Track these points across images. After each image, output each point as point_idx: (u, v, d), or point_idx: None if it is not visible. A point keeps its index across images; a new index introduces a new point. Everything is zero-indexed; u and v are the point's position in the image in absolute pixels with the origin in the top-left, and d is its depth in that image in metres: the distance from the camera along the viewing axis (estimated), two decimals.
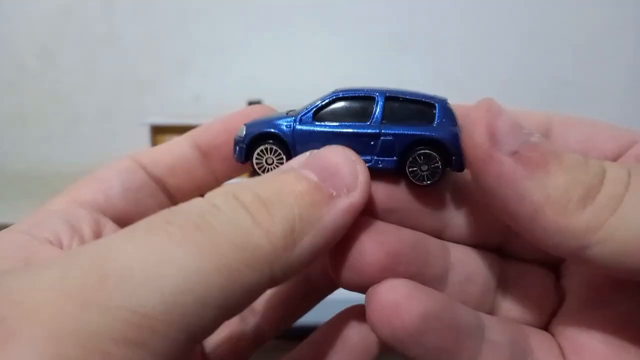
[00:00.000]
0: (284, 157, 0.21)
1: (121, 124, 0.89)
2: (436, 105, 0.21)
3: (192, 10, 0.87)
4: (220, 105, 0.87)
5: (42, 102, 0.89)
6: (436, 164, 0.21)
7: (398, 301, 0.18)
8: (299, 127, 0.21)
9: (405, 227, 0.21)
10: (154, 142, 0.73)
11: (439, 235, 0.22)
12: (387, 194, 0.21)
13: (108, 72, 0.88)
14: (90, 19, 0.87)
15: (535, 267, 0.23)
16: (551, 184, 0.17)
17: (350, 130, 0.21)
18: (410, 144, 0.21)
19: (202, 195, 0.18)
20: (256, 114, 0.24)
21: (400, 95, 0.21)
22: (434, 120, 0.21)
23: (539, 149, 0.17)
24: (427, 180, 0.20)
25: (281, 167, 0.21)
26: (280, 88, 0.86)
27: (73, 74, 0.88)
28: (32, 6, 0.86)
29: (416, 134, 0.21)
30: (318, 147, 0.20)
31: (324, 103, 0.22)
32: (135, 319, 0.14)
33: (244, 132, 0.22)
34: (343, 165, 0.19)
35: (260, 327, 0.27)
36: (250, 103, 0.72)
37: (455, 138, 0.21)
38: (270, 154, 0.22)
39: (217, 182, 0.26)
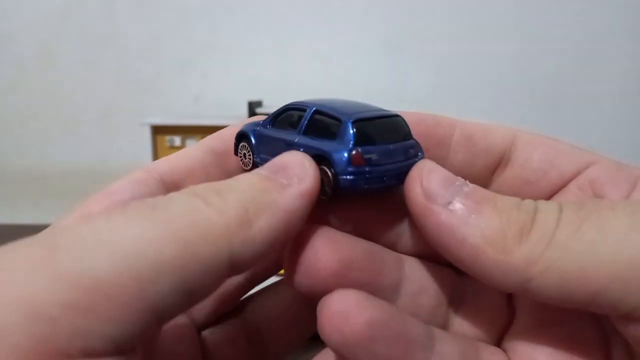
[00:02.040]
0: (251, 153, 0.24)
1: (121, 124, 0.89)
2: (342, 121, 0.21)
3: (192, 10, 0.87)
4: (221, 106, 0.87)
5: (42, 102, 0.89)
6: (329, 180, 0.21)
7: (347, 309, 0.19)
8: (258, 129, 0.24)
9: (359, 237, 0.21)
10: (155, 142, 0.73)
11: (393, 247, 0.22)
12: (341, 204, 0.22)
13: (108, 72, 0.89)
14: (90, 19, 0.87)
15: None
16: (486, 225, 0.18)
17: (281, 137, 0.23)
18: (313, 157, 0.21)
19: None
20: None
21: (324, 110, 0.22)
22: (336, 136, 0.21)
23: (473, 197, 0.19)
24: (323, 195, 0.21)
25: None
26: (280, 88, 0.86)
27: (73, 74, 0.88)
28: (32, 6, 0.86)
29: (313, 148, 0.21)
30: (269, 149, 0.23)
31: (280, 111, 0.24)
32: (85, 283, 0.14)
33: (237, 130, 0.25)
34: (291, 162, 0.20)
35: (267, 349, 0.27)
36: (251, 103, 0.72)
37: (341, 158, 0.20)
38: (246, 150, 0.24)
39: None
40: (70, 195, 0.86)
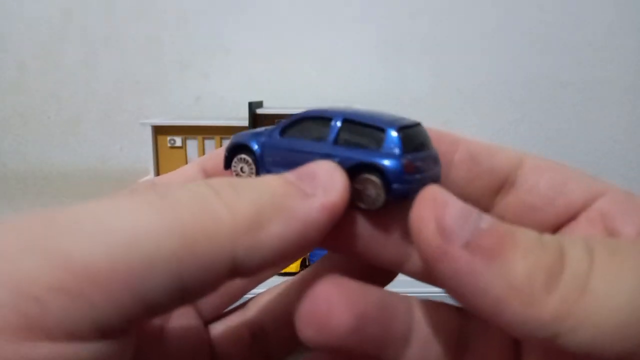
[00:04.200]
0: (254, 168, 0.22)
1: (122, 124, 0.89)
2: (386, 130, 0.21)
3: (192, 11, 0.87)
4: (222, 106, 0.87)
5: (42, 102, 0.89)
6: (378, 190, 0.20)
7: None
8: (266, 140, 0.22)
9: (368, 256, 0.20)
10: (156, 143, 0.73)
11: (399, 268, 0.21)
12: (351, 221, 0.21)
13: (108, 73, 0.89)
14: (90, 20, 0.87)
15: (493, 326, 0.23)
16: (511, 272, 0.15)
17: (306, 148, 0.21)
18: (352, 167, 0.21)
19: None
20: None
21: (355, 119, 0.22)
22: (381, 146, 0.21)
23: (493, 235, 0.16)
24: (368, 206, 0.20)
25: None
26: (280, 89, 0.86)
27: (74, 75, 0.89)
28: (33, 6, 0.86)
29: (358, 158, 0.21)
30: (281, 161, 0.21)
31: (292, 121, 0.22)
32: (75, 267, 0.14)
33: (228, 144, 0.23)
34: (320, 170, 0.19)
35: (270, 349, 0.27)
36: (251, 104, 0.72)
37: (398, 165, 0.20)
38: (244, 163, 0.23)
39: None
40: (71, 195, 0.86)
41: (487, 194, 0.23)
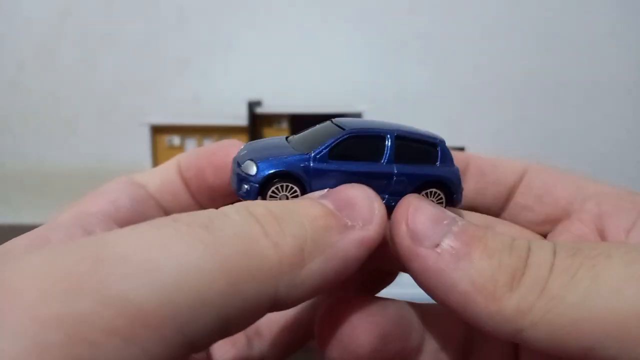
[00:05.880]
0: (299, 195, 0.21)
1: (121, 123, 0.89)
2: (438, 145, 0.23)
3: (191, 10, 0.87)
4: (220, 105, 0.87)
5: (41, 102, 0.89)
6: (440, 202, 0.22)
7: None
8: (314, 165, 0.21)
9: (375, 263, 0.21)
10: (154, 142, 0.73)
11: (402, 268, 0.22)
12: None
13: (107, 72, 0.88)
14: (89, 19, 0.87)
15: None
16: (476, 270, 0.17)
17: (365, 169, 0.21)
18: (422, 184, 0.22)
19: None
20: (236, 148, 0.24)
21: (407, 135, 0.22)
22: (437, 160, 0.22)
23: (462, 237, 0.18)
24: None
25: (299, 197, 0.21)
26: (279, 88, 0.86)
27: (73, 74, 0.88)
28: (32, 6, 0.86)
29: (428, 174, 0.22)
30: (333, 186, 0.20)
31: (338, 142, 0.21)
32: (127, 309, 0.13)
33: (254, 171, 0.21)
34: (360, 200, 0.19)
35: (266, 352, 0.27)
36: (250, 103, 0.72)
37: (458, 178, 0.22)
38: (285, 191, 0.21)
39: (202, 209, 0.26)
40: (70, 195, 0.85)
41: (497, 203, 0.25)
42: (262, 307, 0.16)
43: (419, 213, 0.19)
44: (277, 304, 0.17)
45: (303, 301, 0.18)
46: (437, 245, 0.18)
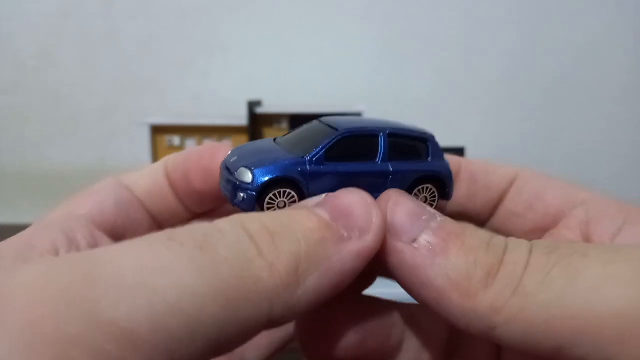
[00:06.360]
0: (297, 199, 0.21)
1: (121, 123, 0.89)
2: (428, 140, 0.23)
3: (191, 10, 0.87)
4: (220, 105, 0.87)
5: (41, 102, 0.89)
6: (434, 197, 0.22)
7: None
8: (311, 168, 0.21)
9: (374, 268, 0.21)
10: (154, 142, 0.73)
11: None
12: None
13: (107, 72, 0.88)
14: (89, 19, 0.87)
15: None
16: (452, 267, 0.17)
17: (361, 169, 0.21)
18: (416, 180, 0.22)
19: (177, 225, 0.17)
20: (223, 152, 0.23)
21: (399, 132, 0.22)
22: (428, 156, 0.23)
23: (440, 233, 0.18)
24: None
25: (294, 205, 0.20)
26: (279, 88, 0.86)
27: (72, 74, 0.88)
28: (31, 6, 0.86)
29: (421, 170, 0.22)
30: (332, 188, 0.20)
31: (333, 143, 0.21)
32: (118, 333, 0.13)
33: (249, 178, 0.20)
34: (357, 207, 0.18)
35: (247, 354, 0.27)
36: (250, 103, 0.72)
37: (449, 172, 0.23)
38: (283, 197, 0.21)
39: (189, 213, 0.26)
40: (69, 195, 0.85)
41: (487, 208, 0.25)
42: (256, 327, 0.16)
43: (398, 208, 0.19)
44: (271, 323, 0.16)
45: (299, 317, 0.18)
46: (415, 240, 0.18)
